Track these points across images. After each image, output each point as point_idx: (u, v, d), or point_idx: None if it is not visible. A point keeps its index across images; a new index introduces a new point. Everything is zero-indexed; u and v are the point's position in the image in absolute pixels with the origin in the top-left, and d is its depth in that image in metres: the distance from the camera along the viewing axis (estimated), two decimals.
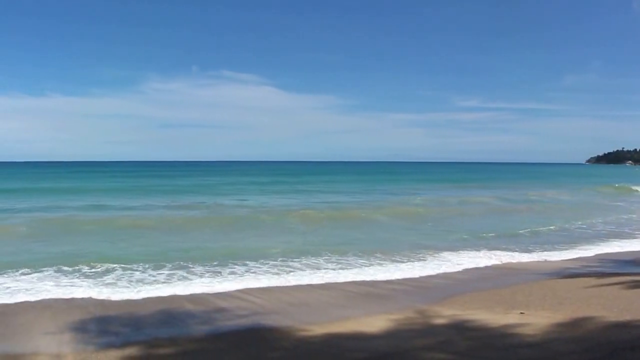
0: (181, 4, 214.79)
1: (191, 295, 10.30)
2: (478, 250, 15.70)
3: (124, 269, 12.29)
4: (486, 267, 13.53)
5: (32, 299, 9.83)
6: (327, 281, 11.64)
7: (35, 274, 11.66)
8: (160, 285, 11.00)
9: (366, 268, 13.06)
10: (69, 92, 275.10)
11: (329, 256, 14.32)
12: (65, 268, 12.27)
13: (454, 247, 16.13)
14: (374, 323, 8.25)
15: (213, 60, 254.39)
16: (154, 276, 11.85)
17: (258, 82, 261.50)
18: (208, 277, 11.85)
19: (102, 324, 8.40)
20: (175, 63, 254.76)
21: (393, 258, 14.30)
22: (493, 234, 19.21)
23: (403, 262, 13.89)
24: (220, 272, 12.28)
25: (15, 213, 24.85)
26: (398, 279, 11.93)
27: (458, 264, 13.62)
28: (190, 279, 11.62)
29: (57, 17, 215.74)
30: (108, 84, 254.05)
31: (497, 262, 14.08)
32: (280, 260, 13.67)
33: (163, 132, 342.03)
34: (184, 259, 13.43)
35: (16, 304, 9.60)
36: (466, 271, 13.03)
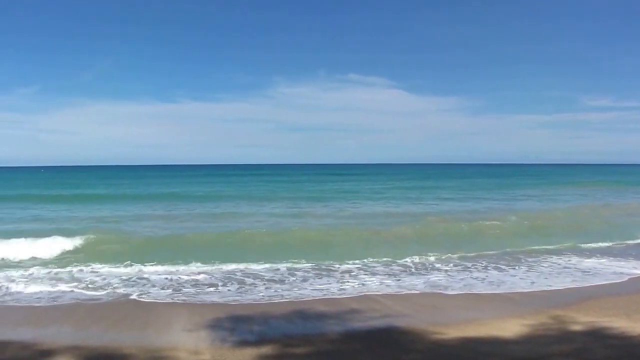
0: (304, 12, 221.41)
1: (322, 296, 10.24)
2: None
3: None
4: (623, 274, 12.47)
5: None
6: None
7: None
8: (289, 285, 11.12)
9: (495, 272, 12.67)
10: (198, 98, 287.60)
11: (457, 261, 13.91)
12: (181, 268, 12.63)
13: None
14: (508, 328, 7.93)
15: (340, 64, 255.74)
16: (286, 276, 11.94)
17: (385, 85, 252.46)
18: (340, 277, 11.85)
19: (236, 322, 8.36)
20: (302, 67, 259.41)
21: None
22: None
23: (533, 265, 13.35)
24: (355, 274, 12.20)
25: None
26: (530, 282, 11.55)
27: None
28: (319, 279, 11.67)
29: (185, 26, 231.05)
30: (236, 89, 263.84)
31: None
32: (414, 263, 13.50)
33: (291, 136, 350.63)
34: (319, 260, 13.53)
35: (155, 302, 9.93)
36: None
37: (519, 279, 11.86)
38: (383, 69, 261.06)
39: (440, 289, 10.95)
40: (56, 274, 12.06)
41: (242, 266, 12.73)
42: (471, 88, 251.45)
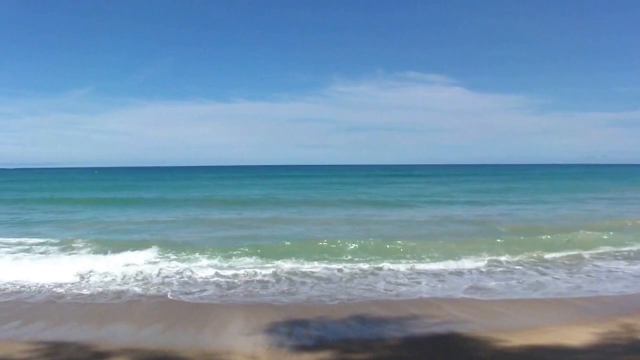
0: (361, 9, 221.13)
1: (379, 298, 10.01)
2: None
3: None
4: None
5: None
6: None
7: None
8: (343, 287, 10.91)
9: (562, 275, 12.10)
10: (254, 97, 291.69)
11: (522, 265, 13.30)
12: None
13: None
14: (576, 336, 7.55)
15: (398, 62, 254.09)
16: (342, 278, 11.69)
17: (445, 83, 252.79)
18: (397, 280, 11.53)
19: (293, 325, 8.14)
20: (360, 65, 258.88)
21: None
22: None
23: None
24: (414, 277, 11.85)
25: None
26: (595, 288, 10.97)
27: None
28: (376, 282, 11.35)
29: (240, 26, 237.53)
30: (293, 89, 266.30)
31: None
32: (477, 267, 12.97)
33: (349, 136, 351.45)
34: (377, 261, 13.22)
35: (209, 302, 9.85)
36: None
37: (583, 284, 11.34)
38: (443, 66, 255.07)
39: (501, 294, 10.52)
40: (113, 276, 11.98)
41: (299, 267, 12.57)
42: (536, 85, 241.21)
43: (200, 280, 11.49)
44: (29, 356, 7.03)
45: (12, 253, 14.57)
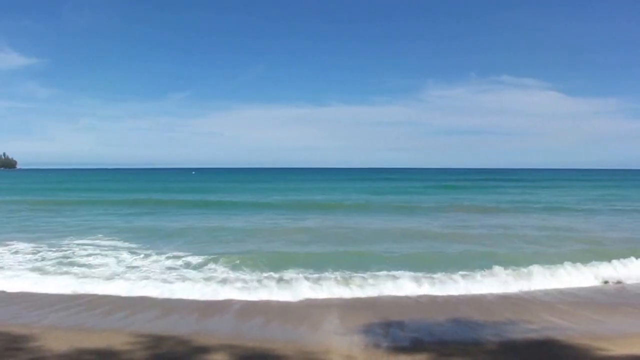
0: (455, 15, 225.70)
1: (477, 301, 9.94)
2: None
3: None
4: None
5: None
6: None
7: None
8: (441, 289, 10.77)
9: None
10: (350, 101, 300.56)
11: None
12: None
13: None
14: None
15: (492, 66, 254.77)
16: (439, 280, 11.36)
17: (539, 87, 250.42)
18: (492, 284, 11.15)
19: (389, 325, 8.13)
20: (454, 70, 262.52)
21: None
22: None
23: None
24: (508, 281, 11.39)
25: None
26: None
27: None
28: (474, 285, 11.08)
29: (338, 33, 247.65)
30: (388, 92, 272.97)
31: None
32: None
33: (443, 139, 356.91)
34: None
35: (300, 301, 9.99)
36: None
37: None
38: (537, 69, 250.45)
39: (602, 299, 10.26)
40: (212, 274, 12.23)
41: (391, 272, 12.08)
42: (631, 88, 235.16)
43: (292, 279, 11.44)
44: (130, 348, 7.27)
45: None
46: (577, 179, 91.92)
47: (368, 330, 7.88)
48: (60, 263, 13.56)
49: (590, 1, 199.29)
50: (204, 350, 7.13)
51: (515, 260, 13.18)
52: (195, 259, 13.76)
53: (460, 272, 11.85)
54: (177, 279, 11.73)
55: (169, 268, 12.97)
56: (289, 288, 10.67)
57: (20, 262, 13.85)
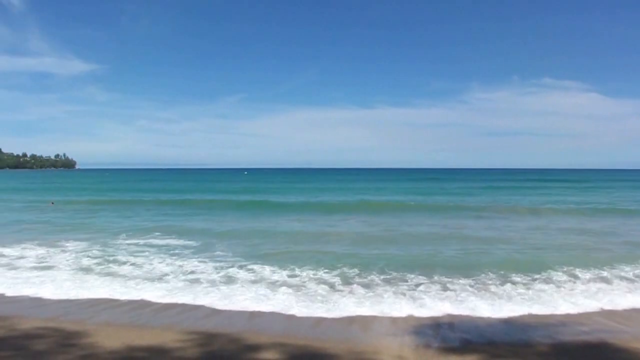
0: (496, 19, 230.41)
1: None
2: None
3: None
4: None
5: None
6: None
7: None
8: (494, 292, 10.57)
9: None
10: (396, 104, 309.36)
11: None
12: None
13: None
14: None
15: (534, 69, 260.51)
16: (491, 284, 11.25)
17: (580, 89, 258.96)
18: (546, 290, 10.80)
19: (439, 326, 8.17)
20: (497, 73, 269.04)
21: None
22: None
23: None
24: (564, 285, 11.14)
25: None
26: None
27: None
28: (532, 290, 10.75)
29: (385, 38, 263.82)
30: (433, 95, 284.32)
31: None
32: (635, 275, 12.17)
33: (486, 141, 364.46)
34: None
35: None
36: None
37: None
38: (578, 72, 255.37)
39: None
40: (262, 275, 12.27)
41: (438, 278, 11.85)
42: None
43: (346, 281, 11.56)
44: (181, 346, 7.38)
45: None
46: (621, 179, 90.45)
47: (418, 330, 7.90)
48: (115, 262, 13.85)
49: (631, 4, 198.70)
50: (255, 348, 7.22)
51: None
52: (244, 261, 13.86)
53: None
54: (226, 279, 11.83)
55: (217, 268, 12.95)
56: (340, 289, 10.80)
57: (67, 260, 14.28)
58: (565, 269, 12.51)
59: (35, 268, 13.18)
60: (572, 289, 10.81)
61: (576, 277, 11.91)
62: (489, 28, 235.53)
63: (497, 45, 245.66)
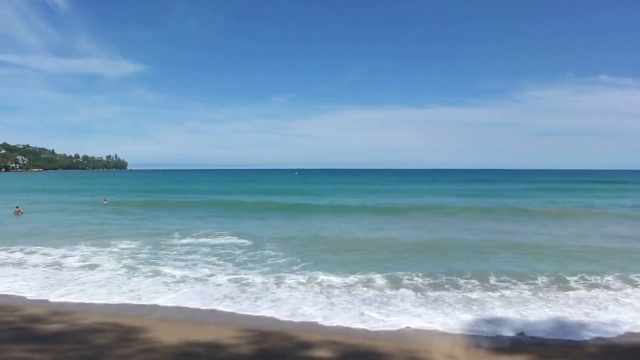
0: (550, 15, 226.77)
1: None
2: None
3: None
4: None
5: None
6: None
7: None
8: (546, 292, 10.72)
9: None
10: (447, 103, 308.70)
11: None
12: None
13: None
14: None
15: (589, 66, 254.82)
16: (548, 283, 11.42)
17: (638, 86, 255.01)
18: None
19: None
20: (550, 70, 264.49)
21: None
22: None
23: None
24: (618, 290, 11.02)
25: None
26: None
27: None
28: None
29: (436, 36, 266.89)
30: (485, 94, 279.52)
31: None
32: None
33: (539, 140, 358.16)
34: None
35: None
36: None
37: None
38: (636, 69, 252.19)
39: None
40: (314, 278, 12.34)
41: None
42: None
43: (396, 283, 11.68)
44: (236, 342, 7.65)
45: None
46: None
47: (470, 329, 8.01)
48: (163, 264, 14.20)
49: None
50: (308, 345, 7.44)
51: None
52: (295, 265, 14.01)
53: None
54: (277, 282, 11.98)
55: (265, 273, 12.91)
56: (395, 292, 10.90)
57: (117, 259, 14.96)
58: (618, 274, 12.39)
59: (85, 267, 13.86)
60: (626, 294, 10.67)
61: (632, 282, 11.78)
62: (542, 24, 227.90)
63: (551, 41, 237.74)
